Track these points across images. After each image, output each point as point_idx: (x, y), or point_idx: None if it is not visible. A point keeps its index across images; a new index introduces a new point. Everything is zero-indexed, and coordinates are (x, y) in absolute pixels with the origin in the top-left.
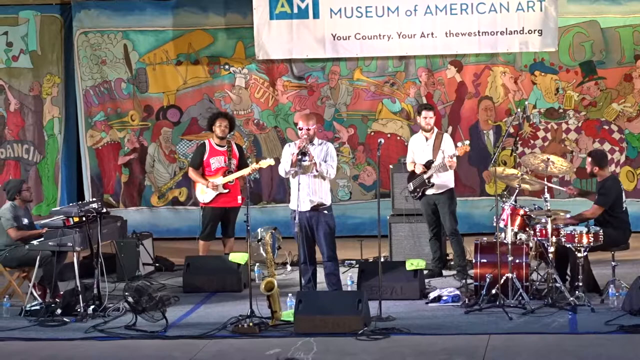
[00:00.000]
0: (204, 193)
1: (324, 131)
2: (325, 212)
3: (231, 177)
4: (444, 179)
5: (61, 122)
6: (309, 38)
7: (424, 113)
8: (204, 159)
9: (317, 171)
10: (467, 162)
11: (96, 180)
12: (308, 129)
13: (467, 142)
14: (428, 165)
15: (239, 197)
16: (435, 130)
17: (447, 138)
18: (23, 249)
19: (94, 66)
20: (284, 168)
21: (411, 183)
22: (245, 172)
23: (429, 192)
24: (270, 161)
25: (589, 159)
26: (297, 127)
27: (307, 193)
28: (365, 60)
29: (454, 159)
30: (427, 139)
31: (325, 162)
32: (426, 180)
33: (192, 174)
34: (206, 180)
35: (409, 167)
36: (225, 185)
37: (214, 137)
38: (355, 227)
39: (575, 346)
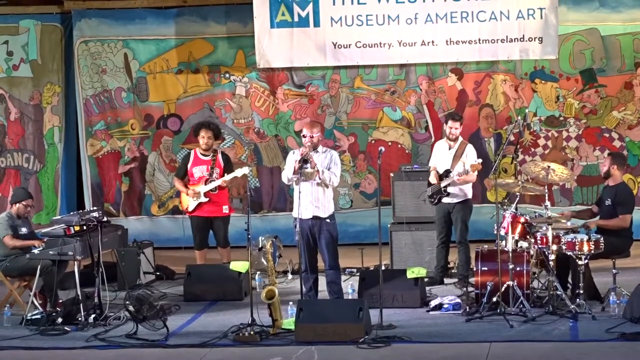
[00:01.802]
0: (187, 203)
1: (324, 140)
2: (328, 220)
3: (211, 186)
4: (461, 189)
5: (61, 131)
6: (309, 46)
7: (450, 123)
8: (188, 168)
9: (319, 179)
10: None
11: (96, 189)
12: (312, 137)
13: (480, 160)
14: (446, 174)
15: (225, 207)
16: (460, 139)
17: (470, 150)
18: (24, 258)
19: (94, 75)
20: (286, 175)
21: (430, 188)
22: (220, 182)
23: (446, 200)
24: (245, 170)
25: (609, 157)
26: (301, 134)
27: (309, 201)
28: (365, 69)
29: (471, 174)
30: (450, 147)
31: (329, 169)
32: (442, 189)
33: (175, 183)
34: (187, 189)
35: (431, 172)
36: (206, 194)
37: (199, 147)
38: (356, 235)
39: (576, 354)
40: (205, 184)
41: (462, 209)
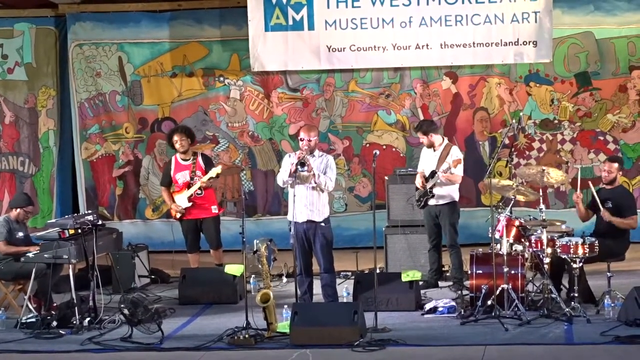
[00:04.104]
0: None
1: (318, 143)
2: (323, 224)
3: (191, 191)
4: (447, 190)
5: (56, 134)
6: (304, 50)
7: (418, 134)
8: (171, 175)
9: (315, 182)
10: (463, 172)
11: (91, 193)
12: (309, 140)
13: (461, 155)
14: (432, 175)
15: (214, 207)
16: (445, 141)
17: (454, 150)
18: (18, 262)
19: (89, 78)
20: (282, 178)
21: (417, 192)
22: (199, 184)
23: (432, 202)
24: (217, 169)
25: (617, 165)
26: (299, 137)
27: (304, 204)
28: (360, 72)
29: (450, 172)
30: (434, 149)
31: (325, 173)
32: (428, 190)
33: (163, 193)
34: (172, 200)
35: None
36: (190, 199)
37: (178, 152)
38: (351, 238)
39: (571, 357)
40: (189, 189)
41: (448, 212)
